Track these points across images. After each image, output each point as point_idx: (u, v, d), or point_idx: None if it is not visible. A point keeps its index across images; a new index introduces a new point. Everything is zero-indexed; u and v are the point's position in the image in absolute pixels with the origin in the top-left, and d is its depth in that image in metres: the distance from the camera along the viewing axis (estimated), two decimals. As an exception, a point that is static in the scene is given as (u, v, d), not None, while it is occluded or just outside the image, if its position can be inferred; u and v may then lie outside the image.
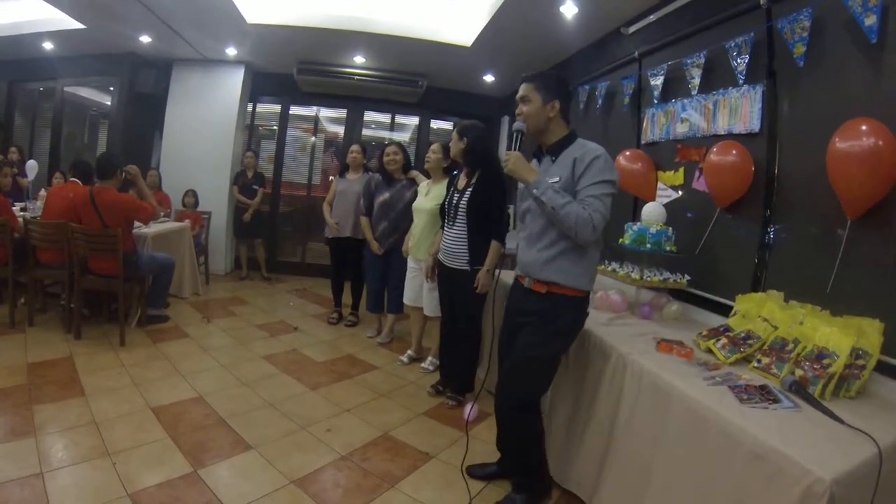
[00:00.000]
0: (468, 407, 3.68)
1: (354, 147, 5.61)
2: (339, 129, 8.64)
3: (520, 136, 2.45)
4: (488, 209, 3.59)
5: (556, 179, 2.36)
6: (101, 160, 4.62)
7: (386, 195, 4.90)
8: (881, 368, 2.12)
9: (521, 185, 2.48)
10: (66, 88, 8.12)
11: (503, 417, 2.62)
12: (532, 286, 2.51)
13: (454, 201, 3.69)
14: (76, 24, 6.19)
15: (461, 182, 3.74)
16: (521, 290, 2.60)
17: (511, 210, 3.82)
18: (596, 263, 2.51)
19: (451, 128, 8.65)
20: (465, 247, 3.65)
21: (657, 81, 3.86)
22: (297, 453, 3.02)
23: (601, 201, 2.28)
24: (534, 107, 2.46)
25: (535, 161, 2.63)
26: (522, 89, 2.50)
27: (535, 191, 2.32)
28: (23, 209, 5.37)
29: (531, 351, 2.47)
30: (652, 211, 3.40)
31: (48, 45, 7.08)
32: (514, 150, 2.39)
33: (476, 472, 2.96)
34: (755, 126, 3.02)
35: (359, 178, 5.46)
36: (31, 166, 6.31)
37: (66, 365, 3.85)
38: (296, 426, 3.34)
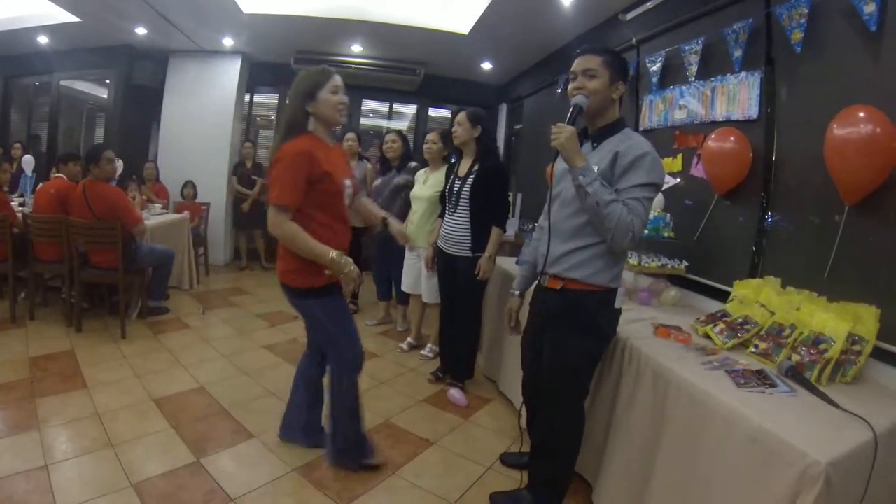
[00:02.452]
0: (454, 393, 3.71)
1: (349, 135, 5.56)
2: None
3: (578, 112, 2.18)
4: (491, 195, 3.59)
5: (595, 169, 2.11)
6: (89, 150, 4.64)
7: (378, 181, 5.06)
8: (877, 354, 2.14)
9: (557, 168, 2.24)
10: (62, 82, 8.09)
11: (537, 433, 2.52)
12: (548, 283, 2.32)
13: (455, 188, 3.68)
14: (71, 18, 6.17)
15: (462, 169, 3.72)
16: (539, 288, 2.41)
17: (510, 197, 3.81)
18: (620, 258, 2.25)
19: (448, 115, 8.65)
20: (468, 233, 3.64)
21: (655, 68, 3.85)
22: (299, 442, 3.04)
23: (643, 206, 2.04)
24: (601, 83, 2.15)
25: (580, 145, 2.26)
26: (587, 61, 2.17)
27: (581, 177, 2.05)
28: (21, 204, 5.37)
29: (557, 359, 2.30)
30: (650, 198, 3.41)
31: (43, 40, 7.06)
32: (569, 124, 2.13)
33: (510, 460, 2.96)
34: (753, 113, 3.02)
35: (355, 167, 5.46)
36: (28, 161, 6.30)
37: (67, 358, 3.86)
38: (297, 415, 3.35)
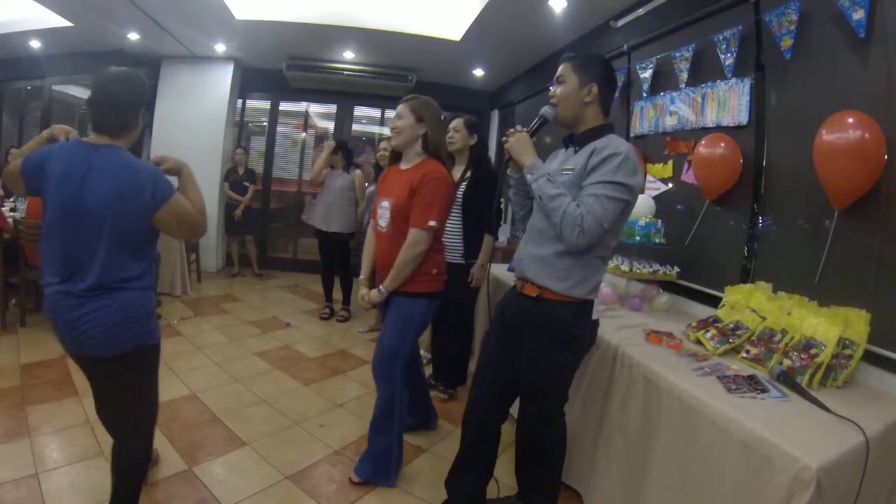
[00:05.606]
0: None
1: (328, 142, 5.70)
2: (330, 125, 8.63)
3: (541, 123, 2.19)
4: (484, 202, 3.58)
5: (570, 169, 2.08)
6: None
7: (372, 188, 5.02)
8: (868, 358, 2.15)
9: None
10: (54, 87, 8.04)
11: (520, 435, 2.46)
12: (524, 289, 2.21)
13: (448, 196, 3.68)
14: (64, 22, 6.14)
15: (455, 175, 3.71)
16: (515, 292, 2.31)
17: (502, 204, 3.80)
18: (598, 271, 2.15)
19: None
20: (460, 240, 3.64)
21: (646, 74, 3.87)
22: (291, 449, 3.03)
23: (601, 203, 1.93)
24: (568, 88, 2.14)
25: (563, 150, 2.30)
26: (560, 69, 2.19)
27: (528, 175, 2.09)
28: (12, 210, 5.33)
29: (535, 370, 2.23)
30: (641, 203, 3.40)
31: (35, 44, 7.01)
32: (528, 133, 2.18)
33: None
34: (743, 119, 3.04)
35: (340, 173, 5.53)
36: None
37: (59, 365, 3.83)
38: (289, 422, 3.35)
